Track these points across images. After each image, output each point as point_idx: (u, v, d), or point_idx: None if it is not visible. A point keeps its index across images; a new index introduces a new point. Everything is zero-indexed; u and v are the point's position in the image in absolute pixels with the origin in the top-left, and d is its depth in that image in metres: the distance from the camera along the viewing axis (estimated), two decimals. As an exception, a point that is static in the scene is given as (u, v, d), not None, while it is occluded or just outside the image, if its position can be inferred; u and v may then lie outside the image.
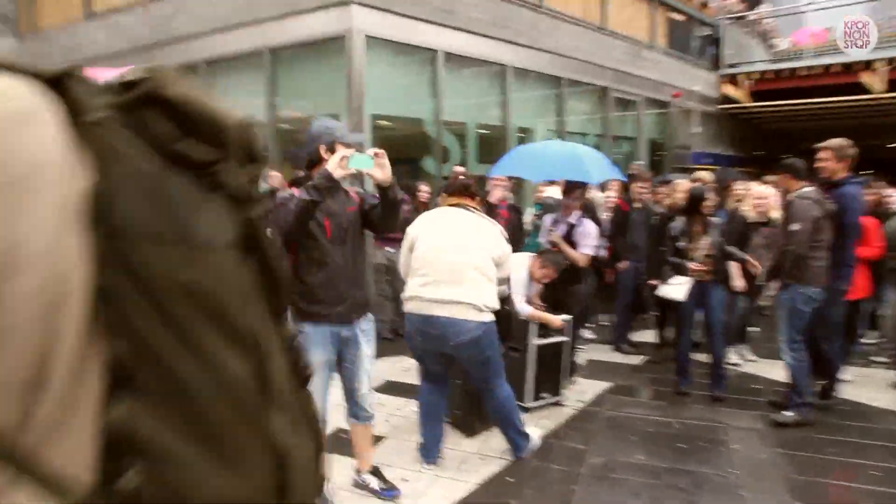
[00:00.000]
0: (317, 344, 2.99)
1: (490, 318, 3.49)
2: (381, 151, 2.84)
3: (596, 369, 5.83)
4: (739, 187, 6.40)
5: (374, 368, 5.51)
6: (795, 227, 4.34)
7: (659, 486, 3.58)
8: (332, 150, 2.93)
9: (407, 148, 8.17)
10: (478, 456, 3.93)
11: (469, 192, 3.69)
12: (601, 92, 10.68)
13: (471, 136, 8.50)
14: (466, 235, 3.49)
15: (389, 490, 3.33)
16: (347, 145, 2.89)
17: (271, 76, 7.70)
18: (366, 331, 3.12)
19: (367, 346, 3.14)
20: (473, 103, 8.56)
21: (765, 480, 3.68)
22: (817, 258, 4.36)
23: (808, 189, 4.47)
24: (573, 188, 5.04)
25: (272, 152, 7.85)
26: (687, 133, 12.70)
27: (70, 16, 10.14)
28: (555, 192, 6.42)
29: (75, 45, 10.00)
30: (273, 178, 6.27)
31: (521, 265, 4.54)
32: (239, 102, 8.42)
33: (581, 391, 5.18)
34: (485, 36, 8.32)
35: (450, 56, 7.86)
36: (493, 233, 3.58)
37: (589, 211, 6.45)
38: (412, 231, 3.62)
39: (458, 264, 3.42)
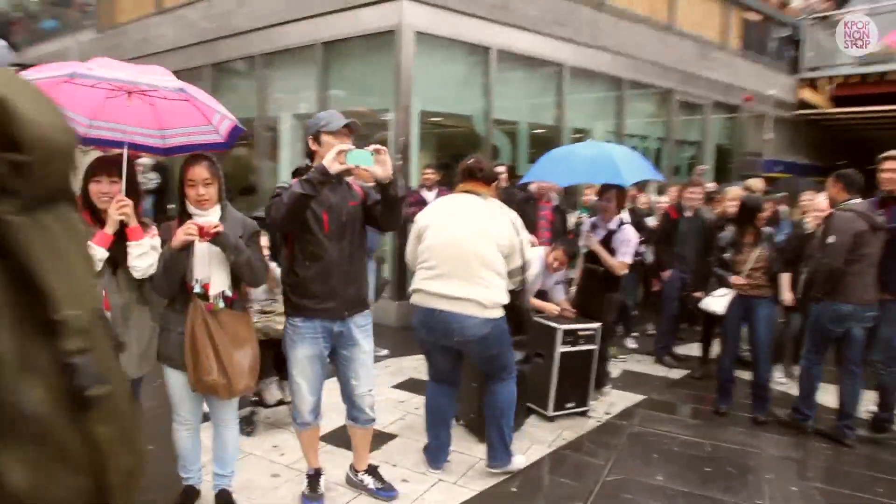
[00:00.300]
0: (306, 338, 2.95)
1: (497, 314, 3.31)
2: (382, 148, 2.76)
3: (632, 381, 5.56)
4: (806, 198, 5.99)
5: (400, 364, 5.58)
6: (831, 239, 4.07)
7: (673, 511, 3.35)
8: (317, 141, 2.88)
9: (455, 145, 8.09)
10: (486, 462, 3.79)
11: (478, 177, 3.46)
12: (665, 94, 10.25)
13: (522, 135, 8.32)
14: (474, 225, 3.31)
15: (386, 490, 3.24)
16: (337, 136, 2.83)
17: (323, 70, 7.77)
18: (362, 326, 3.04)
19: (365, 342, 3.06)
20: (526, 102, 8.38)
21: (794, 515, 3.38)
22: (854, 273, 4.09)
23: (855, 202, 4.17)
24: (608, 190, 4.78)
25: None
26: (759, 139, 12.02)
27: (143, 11, 10.61)
28: None
29: (146, 39, 10.46)
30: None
31: (537, 258, 4.35)
32: (293, 95, 8.57)
33: (611, 403, 4.95)
34: (541, 33, 8.12)
35: (503, 53, 7.70)
36: (502, 220, 3.35)
37: (634, 215, 6.19)
38: (421, 220, 3.49)
39: (463, 257, 3.26)
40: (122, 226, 2.59)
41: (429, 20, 7.05)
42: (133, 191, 2.65)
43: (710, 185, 7.63)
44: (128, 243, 2.59)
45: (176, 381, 2.81)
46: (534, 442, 4.13)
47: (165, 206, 8.43)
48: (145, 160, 8.27)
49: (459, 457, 3.84)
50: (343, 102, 8.00)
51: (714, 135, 11.49)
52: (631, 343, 6.73)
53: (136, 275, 2.62)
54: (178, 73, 9.87)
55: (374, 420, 3.21)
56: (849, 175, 4.26)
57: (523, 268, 3.42)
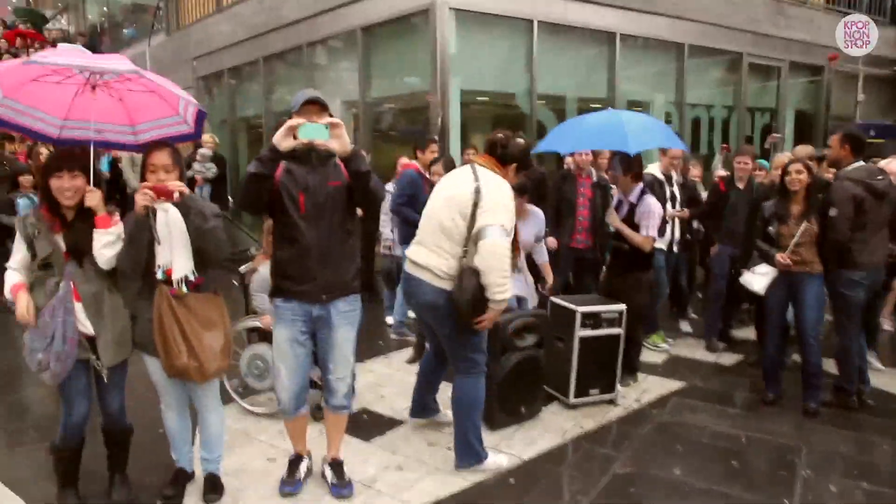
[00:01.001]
0: (284, 321, 2.92)
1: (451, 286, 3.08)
2: (338, 121, 2.66)
3: (675, 367, 5.20)
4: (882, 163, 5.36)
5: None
6: (833, 212, 3.89)
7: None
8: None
9: (498, 123, 7.85)
10: (491, 452, 3.63)
11: (497, 153, 3.22)
12: (734, 58, 9.49)
13: (570, 110, 7.96)
14: (446, 194, 3.18)
15: (340, 487, 3.11)
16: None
17: (364, 55, 7.76)
18: (344, 312, 2.96)
19: (347, 329, 2.98)
20: (574, 75, 8.00)
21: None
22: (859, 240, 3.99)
23: (857, 165, 3.98)
24: (625, 161, 4.44)
25: (366, 130, 7.97)
26: (848, 101, 10.91)
27: (204, 12, 11.03)
28: (654, 169, 5.77)
29: (206, 37, 10.87)
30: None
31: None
32: (339, 82, 8.63)
33: (644, 390, 4.65)
34: (589, 2, 7.71)
35: (546, 25, 7.38)
36: (469, 189, 3.06)
37: (685, 188, 5.76)
38: None
39: (430, 225, 3.17)
40: (89, 218, 2.65)
41: (465, -4, 6.86)
42: (97, 181, 2.70)
43: (785, 155, 6.97)
44: (95, 231, 2.64)
45: (154, 367, 2.86)
46: (547, 430, 3.94)
47: (224, 194, 8.75)
48: (204, 150, 8.63)
49: (465, 445, 3.72)
50: (384, 86, 7.98)
51: (792, 99, 10.54)
52: (685, 326, 6.31)
53: (102, 264, 2.67)
54: (236, 68, 10.21)
55: (346, 407, 3.13)
56: (857, 135, 3.96)
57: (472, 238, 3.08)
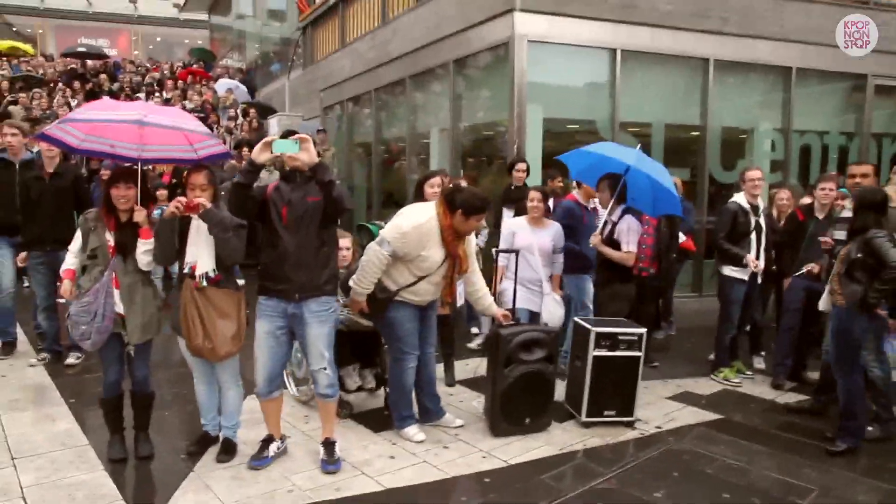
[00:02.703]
0: (264, 315, 3.43)
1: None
2: (306, 136, 3.16)
3: (723, 400, 5.04)
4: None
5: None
6: None
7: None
8: None
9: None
10: (482, 454, 3.86)
11: (446, 198, 3.85)
12: (856, 80, 8.77)
13: (657, 137, 7.86)
14: None
15: (328, 463, 3.54)
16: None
17: (454, 86, 8.28)
18: (316, 312, 3.40)
19: (318, 327, 3.41)
20: (661, 102, 7.89)
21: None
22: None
23: None
24: (603, 180, 4.80)
25: (455, 155, 8.44)
26: None
27: (331, 48, 12.25)
28: (739, 199, 5.57)
29: (331, 71, 12.04)
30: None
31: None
32: (434, 111, 9.22)
33: (673, 418, 4.58)
34: (676, 28, 7.62)
35: (630, 53, 7.42)
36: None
37: (734, 216, 5.55)
38: None
39: None
40: (136, 226, 3.34)
41: (545, 28, 7.13)
42: (145, 195, 3.39)
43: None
44: (139, 240, 3.33)
45: (184, 346, 3.49)
46: (548, 443, 4.07)
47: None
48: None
49: (464, 446, 3.97)
50: (471, 115, 8.42)
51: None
52: (758, 362, 6.01)
53: (141, 265, 3.36)
54: (353, 98, 11.21)
55: (329, 396, 3.55)
56: None
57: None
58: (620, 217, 4.75)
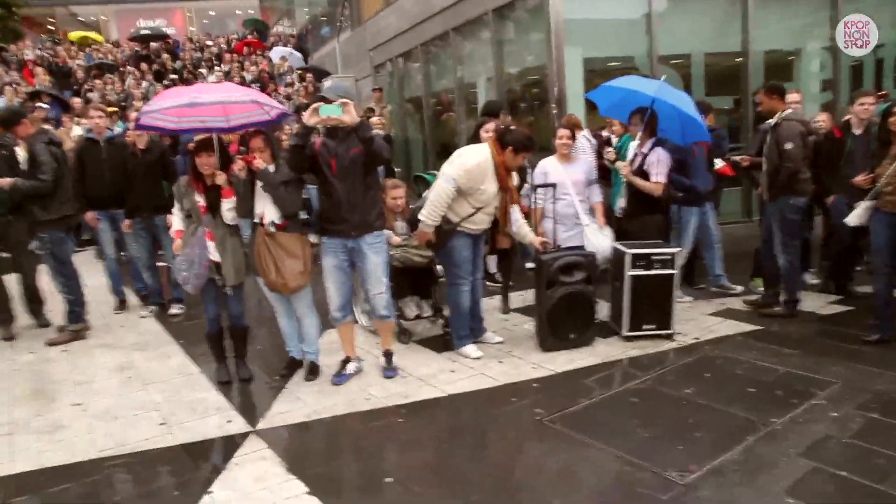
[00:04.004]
0: (329, 252, 4.05)
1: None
2: (348, 101, 3.68)
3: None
4: None
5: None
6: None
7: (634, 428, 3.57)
8: None
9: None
10: (531, 365, 4.37)
11: (498, 139, 4.39)
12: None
13: (697, 69, 7.92)
14: None
15: (387, 370, 4.25)
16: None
17: (495, 34, 8.55)
18: (371, 244, 3.99)
19: (374, 256, 4.01)
20: (699, 32, 7.90)
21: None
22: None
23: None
24: (635, 115, 5.07)
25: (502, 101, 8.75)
26: None
27: (377, 7, 12.59)
28: None
29: (379, 30, 12.41)
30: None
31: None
32: (480, 60, 9.51)
33: (712, 330, 4.95)
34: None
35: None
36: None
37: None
38: None
39: None
40: (219, 187, 3.96)
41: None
42: (225, 161, 3.99)
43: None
44: (223, 200, 3.96)
45: (263, 284, 4.14)
46: (592, 354, 4.54)
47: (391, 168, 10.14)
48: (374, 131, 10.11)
49: (516, 360, 4.50)
50: (514, 62, 8.68)
51: None
52: (810, 278, 6.21)
53: (227, 220, 3.99)
54: (401, 55, 11.67)
55: (387, 316, 4.20)
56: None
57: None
58: (651, 149, 5.04)
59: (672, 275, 4.73)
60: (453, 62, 10.07)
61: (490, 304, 5.69)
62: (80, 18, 33.26)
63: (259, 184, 3.94)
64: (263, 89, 12.93)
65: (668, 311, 4.78)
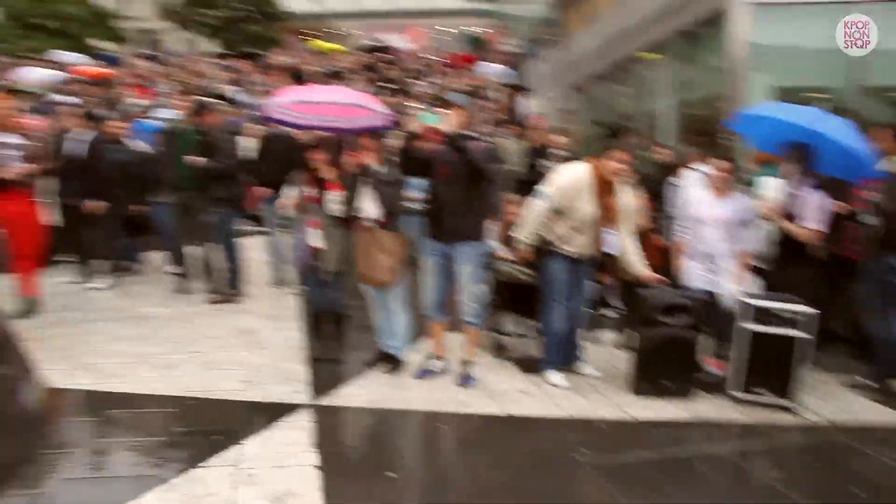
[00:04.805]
0: (429, 252, 4.19)
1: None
2: (448, 112, 3.76)
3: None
4: None
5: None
6: None
7: None
8: None
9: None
10: (612, 405, 4.09)
11: None
12: None
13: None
14: None
15: (463, 377, 4.25)
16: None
17: (674, 59, 8.11)
18: (466, 253, 4.05)
19: (468, 265, 4.06)
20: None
21: None
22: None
23: None
24: (789, 149, 4.48)
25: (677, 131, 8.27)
26: None
27: (577, 27, 12.58)
28: None
29: (576, 51, 12.35)
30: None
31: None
32: (659, 86, 9.05)
33: (847, 410, 4.18)
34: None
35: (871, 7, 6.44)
36: None
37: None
38: None
39: None
40: (326, 181, 4.35)
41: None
42: (335, 158, 4.37)
43: None
44: (329, 193, 4.34)
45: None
46: (684, 409, 4.09)
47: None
48: (555, 151, 10.09)
49: (598, 396, 4.26)
50: (691, 87, 8.14)
51: None
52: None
53: (332, 212, 4.37)
54: (590, 77, 11.61)
55: (474, 323, 4.23)
56: None
57: None
58: (807, 190, 4.40)
59: (804, 339, 4.07)
60: (635, 85, 9.73)
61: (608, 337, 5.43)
62: (341, 32, 37.83)
63: (362, 181, 4.24)
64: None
65: (789, 378, 4.13)
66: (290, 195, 4.57)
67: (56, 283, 6.17)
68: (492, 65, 18.62)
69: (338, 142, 4.41)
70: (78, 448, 3.32)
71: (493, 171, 4.08)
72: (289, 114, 4.56)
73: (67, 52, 17.24)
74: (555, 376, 4.42)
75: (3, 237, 5.13)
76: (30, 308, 5.25)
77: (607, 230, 4.27)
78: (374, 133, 4.38)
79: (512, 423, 3.81)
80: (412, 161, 4.06)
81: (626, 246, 4.34)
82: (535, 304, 5.04)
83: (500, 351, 4.95)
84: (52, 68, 13.29)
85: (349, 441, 3.52)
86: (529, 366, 4.72)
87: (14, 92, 7.08)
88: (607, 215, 4.22)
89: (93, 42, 24.80)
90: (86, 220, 6.20)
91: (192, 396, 3.89)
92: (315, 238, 4.36)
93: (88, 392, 3.92)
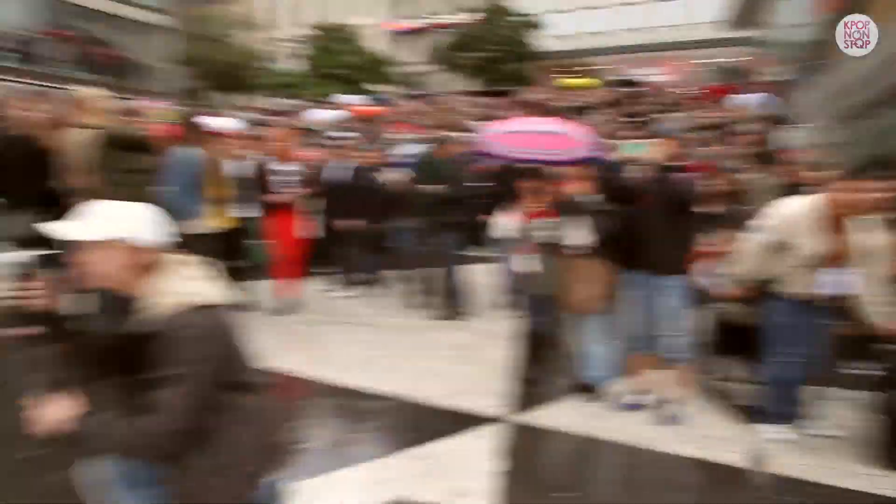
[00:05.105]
0: (628, 284, 4.14)
1: None
2: (656, 141, 3.70)
3: None
4: None
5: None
6: None
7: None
8: None
9: None
10: (843, 474, 3.59)
11: None
12: None
13: None
14: None
15: (666, 416, 4.09)
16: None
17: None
18: (668, 286, 3.94)
19: (669, 300, 3.95)
20: None
21: None
22: None
23: None
24: None
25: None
26: None
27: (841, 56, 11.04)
28: None
29: (838, 78, 10.84)
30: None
31: None
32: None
33: None
34: None
35: None
36: None
37: None
38: None
39: None
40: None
41: None
42: (545, 187, 4.55)
43: None
44: (538, 220, 4.54)
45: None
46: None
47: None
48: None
49: (823, 467, 3.77)
50: None
51: None
52: None
53: (540, 239, 4.53)
54: (860, 106, 10.40)
55: (677, 360, 4.05)
56: None
57: None
58: None
59: None
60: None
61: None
62: (594, 67, 38.06)
63: (570, 208, 4.37)
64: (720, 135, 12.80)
65: None
66: (508, 222, 4.84)
67: (313, 290, 7.32)
68: (750, 96, 17.28)
69: (545, 171, 4.59)
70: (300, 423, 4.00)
71: (696, 204, 3.91)
72: (500, 147, 4.88)
73: (347, 95, 20.38)
74: (772, 430, 4.01)
75: (273, 248, 6.25)
76: (290, 308, 6.33)
77: (838, 271, 3.75)
78: (583, 162, 4.49)
79: (713, 471, 3.61)
80: (615, 190, 4.08)
81: (868, 291, 3.78)
82: (754, 348, 4.63)
83: (712, 394, 4.62)
84: (334, 108, 15.84)
85: (535, 458, 3.63)
86: (745, 414, 4.34)
87: (300, 129, 8.61)
88: (838, 254, 3.73)
89: (368, 86, 28.76)
90: (343, 237, 7.26)
91: (404, 396, 4.38)
92: (527, 264, 4.56)
93: (319, 382, 4.67)
